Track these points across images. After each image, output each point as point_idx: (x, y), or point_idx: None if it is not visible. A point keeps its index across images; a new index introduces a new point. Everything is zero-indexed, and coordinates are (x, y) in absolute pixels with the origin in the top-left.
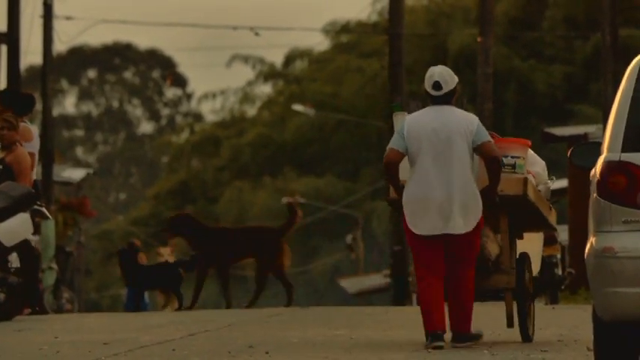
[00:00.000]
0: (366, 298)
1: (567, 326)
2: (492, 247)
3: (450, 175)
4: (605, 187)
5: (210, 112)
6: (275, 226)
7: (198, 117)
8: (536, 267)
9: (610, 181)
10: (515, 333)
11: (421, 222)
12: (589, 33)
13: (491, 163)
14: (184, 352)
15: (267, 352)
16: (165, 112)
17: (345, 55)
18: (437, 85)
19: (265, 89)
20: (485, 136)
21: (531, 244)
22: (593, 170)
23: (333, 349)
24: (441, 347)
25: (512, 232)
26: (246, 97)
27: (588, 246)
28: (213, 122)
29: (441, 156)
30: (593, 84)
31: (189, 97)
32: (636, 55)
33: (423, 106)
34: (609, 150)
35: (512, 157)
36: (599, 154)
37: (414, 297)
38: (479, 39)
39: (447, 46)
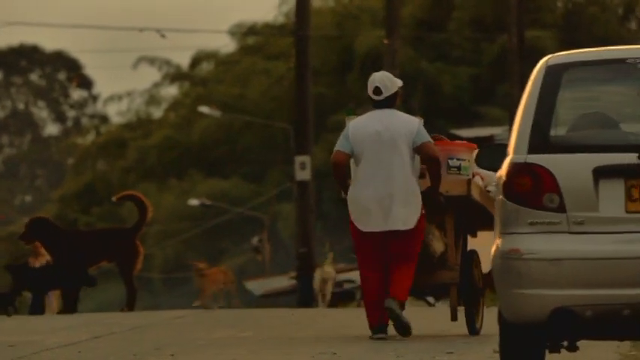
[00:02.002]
0: (272, 299)
1: None
2: (437, 245)
3: (391, 174)
4: (511, 189)
5: (116, 113)
6: (128, 226)
7: (104, 119)
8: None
9: (516, 182)
10: (419, 332)
11: (365, 219)
12: (496, 35)
13: (431, 163)
14: (90, 355)
15: (172, 355)
16: (71, 114)
17: (252, 57)
18: (377, 90)
19: (171, 91)
20: (425, 137)
21: (483, 242)
22: (499, 172)
23: (239, 351)
24: (383, 338)
25: (459, 230)
26: (152, 99)
27: (494, 247)
28: (119, 124)
29: (383, 157)
30: (500, 86)
31: (95, 98)
32: (542, 57)
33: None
34: (515, 152)
35: (457, 159)
36: (505, 155)
37: (320, 299)
38: (385, 41)
39: (354, 47)
